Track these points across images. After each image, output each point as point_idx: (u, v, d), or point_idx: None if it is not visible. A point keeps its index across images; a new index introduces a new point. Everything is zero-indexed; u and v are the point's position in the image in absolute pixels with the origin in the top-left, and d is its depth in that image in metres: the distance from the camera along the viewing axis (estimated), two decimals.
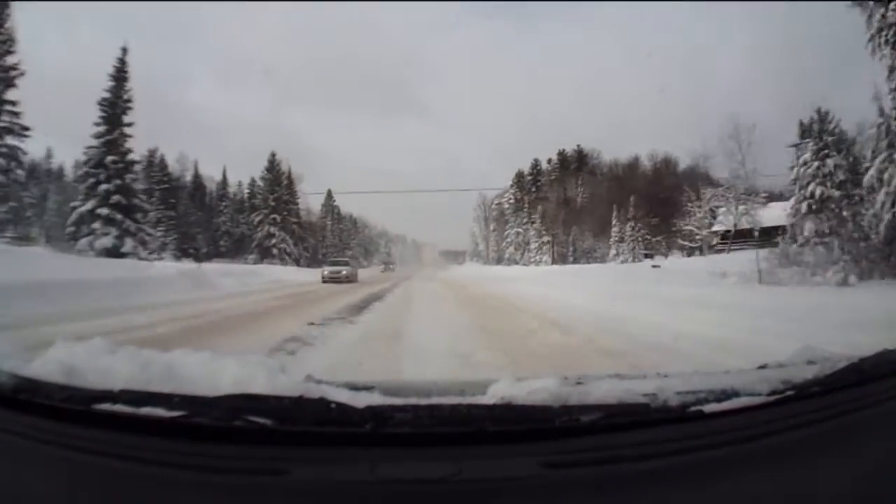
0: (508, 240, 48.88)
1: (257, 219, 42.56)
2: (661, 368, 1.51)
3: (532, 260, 44.57)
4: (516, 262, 45.76)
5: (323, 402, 0.81)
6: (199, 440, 0.82)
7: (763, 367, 1.08)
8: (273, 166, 44.16)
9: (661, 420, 0.85)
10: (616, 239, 38.11)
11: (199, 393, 0.85)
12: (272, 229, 41.91)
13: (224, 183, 49.55)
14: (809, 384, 0.93)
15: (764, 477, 0.78)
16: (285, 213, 42.99)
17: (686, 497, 0.76)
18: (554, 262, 42.24)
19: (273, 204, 42.39)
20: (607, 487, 0.76)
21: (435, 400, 0.86)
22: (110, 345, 1.05)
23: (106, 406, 0.83)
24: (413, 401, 0.85)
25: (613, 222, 38.11)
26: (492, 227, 53.63)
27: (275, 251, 41.57)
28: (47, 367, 0.96)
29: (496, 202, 53.21)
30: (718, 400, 0.87)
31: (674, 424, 0.86)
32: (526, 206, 48.35)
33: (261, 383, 0.87)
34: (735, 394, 0.88)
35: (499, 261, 48.81)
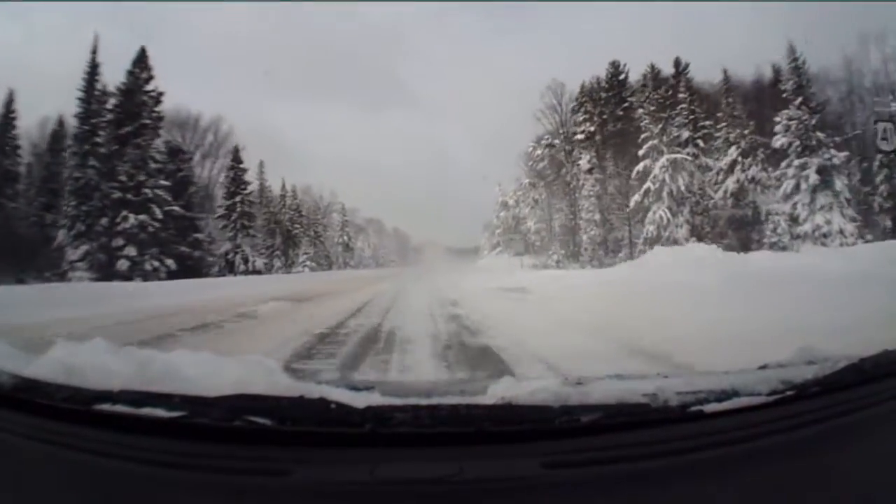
0: (649, 195, 18.93)
1: None
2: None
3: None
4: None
5: (323, 403, 0.81)
6: (199, 440, 0.82)
7: (763, 367, 1.08)
8: None
9: (662, 420, 0.85)
10: None
11: (199, 393, 0.85)
12: None
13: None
14: (809, 384, 0.93)
15: (764, 477, 0.78)
16: None
17: (686, 497, 0.76)
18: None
19: None
20: (607, 487, 0.76)
21: (435, 400, 0.86)
22: (110, 345, 1.06)
23: (106, 406, 0.83)
24: (413, 401, 0.85)
25: None
26: (587, 168, 21.76)
27: None
28: (48, 367, 0.96)
29: (537, 152, 24.61)
30: (718, 400, 0.87)
31: (674, 424, 0.86)
32: (727, 102, 19.39)
33: (261, 383, 0.87)
34: (735, 394, 0.88)
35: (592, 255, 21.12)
